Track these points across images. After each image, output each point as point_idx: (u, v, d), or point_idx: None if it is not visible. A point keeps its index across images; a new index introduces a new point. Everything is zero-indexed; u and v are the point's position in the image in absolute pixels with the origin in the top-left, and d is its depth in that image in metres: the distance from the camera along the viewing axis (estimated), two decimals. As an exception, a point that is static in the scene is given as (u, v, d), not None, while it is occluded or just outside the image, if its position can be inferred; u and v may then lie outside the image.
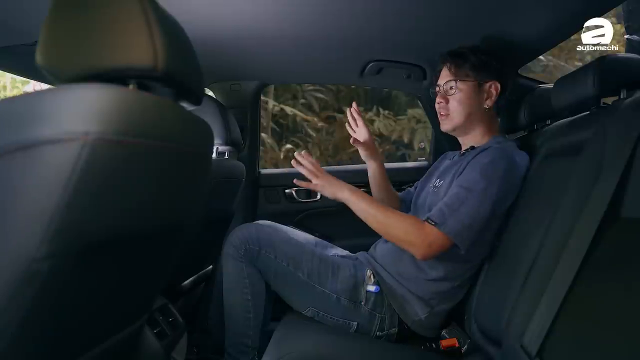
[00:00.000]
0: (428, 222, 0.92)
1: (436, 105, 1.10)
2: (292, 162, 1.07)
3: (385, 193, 1.26)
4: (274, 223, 1.18)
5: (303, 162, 1.06)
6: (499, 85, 1.05)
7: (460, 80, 1.05)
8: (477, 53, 1.06)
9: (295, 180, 1.06)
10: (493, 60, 1.06)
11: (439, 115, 1.10)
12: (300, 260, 1.04)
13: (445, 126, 1.10)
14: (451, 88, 1.06)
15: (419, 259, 0.95)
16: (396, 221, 0.95)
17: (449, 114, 1.07)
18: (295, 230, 1.24)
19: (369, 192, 1.22)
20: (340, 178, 1.16)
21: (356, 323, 1.02)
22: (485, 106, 1.06)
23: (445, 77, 1.08)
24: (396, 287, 1.02)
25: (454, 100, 1.06)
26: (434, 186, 1.09)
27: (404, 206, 1.25)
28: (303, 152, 1.08)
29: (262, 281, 1.05)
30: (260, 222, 1.18)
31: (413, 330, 1.02)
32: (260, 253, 1.03)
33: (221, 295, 1.09)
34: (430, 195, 1.08)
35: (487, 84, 1.05)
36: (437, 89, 1.10)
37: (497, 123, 1.12)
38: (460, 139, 1.14)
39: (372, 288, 1.03)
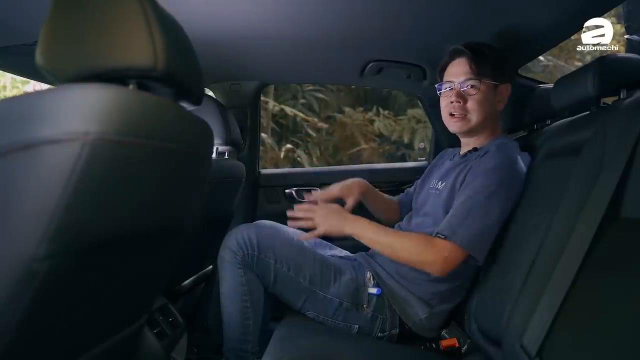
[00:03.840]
0: (438, 236, 0.89)
1: (448, 105, 1.02)
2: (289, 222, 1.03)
3: (383, 205, 1.25)
4: (274, 223, 1.17)
5: (297, 214, 1.01)
6: (509, 87, 1.03)
7: (482, 80, 0.98)
8: (494, 51, 1.00)
9: (300, 237, 1.05)
10: (507, 60, 1.03)
11: (448, 116, 1.02)
12: (301, 264, 1.02)
13: (459, 128, 1.01)
14: (472, 87, 0.98)
15: (437, 275, 0.92)
16: (405, 243, 0.92)
17: (466, 115, 1.00)
18: (296, 230, 1.24)
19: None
20: (339, 178, 1.17)
21: (357, 326, 1.01)
22: (499, 108, 1.03)
23: (463, 74, 0.99)
24: (396, 288, 1.02)
25: (474, 100, 0.98)
26: (436, 188, 1.06)
27: (405, 208, 1.24)
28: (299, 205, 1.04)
29: (261, 286, 1.03)
30: (261, 222, 1.17)
31: (414, 331, 1.02)
32: (259, 257, 1.01)
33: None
34: (432, 197, 1.05)
35: (502, 85, 1.02)
36: (450, 85, 1.02)
37: (500, 124, 1.10)
38: (463, 140, 1.09)
39: (373, 290, 1.02)
